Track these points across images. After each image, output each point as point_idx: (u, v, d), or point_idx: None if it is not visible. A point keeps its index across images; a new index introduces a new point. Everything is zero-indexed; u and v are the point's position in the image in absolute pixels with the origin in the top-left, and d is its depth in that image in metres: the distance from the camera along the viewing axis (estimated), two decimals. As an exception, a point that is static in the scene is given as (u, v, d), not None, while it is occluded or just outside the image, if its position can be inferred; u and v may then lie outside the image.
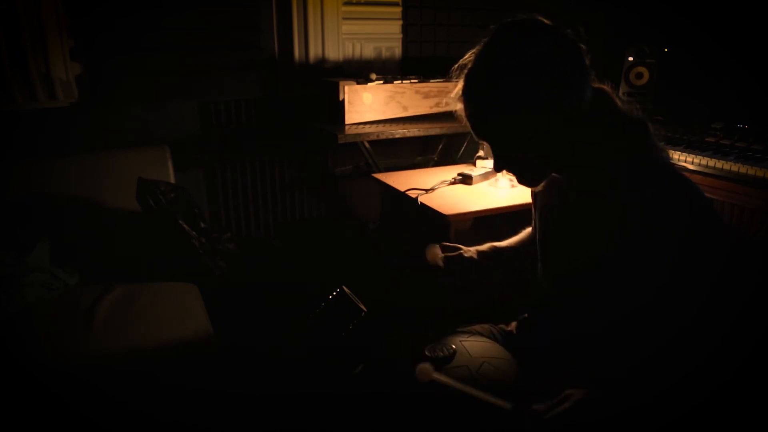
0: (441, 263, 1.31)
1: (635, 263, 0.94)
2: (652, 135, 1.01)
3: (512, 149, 1.02)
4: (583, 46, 0.97)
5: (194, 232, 2.08)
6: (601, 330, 1.02)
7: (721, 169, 2.04)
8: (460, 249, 1.34)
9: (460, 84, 1.02)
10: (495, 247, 1.38)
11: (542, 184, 1.12)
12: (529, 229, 1.41)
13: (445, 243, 1.35)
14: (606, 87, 1.04)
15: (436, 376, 0.99)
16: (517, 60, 0.93)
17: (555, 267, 1.17)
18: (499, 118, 0.98)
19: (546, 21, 0.97)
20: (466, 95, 1.01)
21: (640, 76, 2.75)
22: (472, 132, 1.04)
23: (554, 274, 1.17)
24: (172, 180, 2.30)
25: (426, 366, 0.99)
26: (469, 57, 1.01)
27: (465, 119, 1.04)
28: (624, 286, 0.97)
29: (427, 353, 1.07)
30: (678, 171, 0.99)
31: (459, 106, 1.04)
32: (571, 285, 1.10)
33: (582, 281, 1.06)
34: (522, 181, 1.09)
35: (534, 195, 1.29)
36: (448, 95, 1.05)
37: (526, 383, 1.06)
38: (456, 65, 1.03)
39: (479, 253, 1.35)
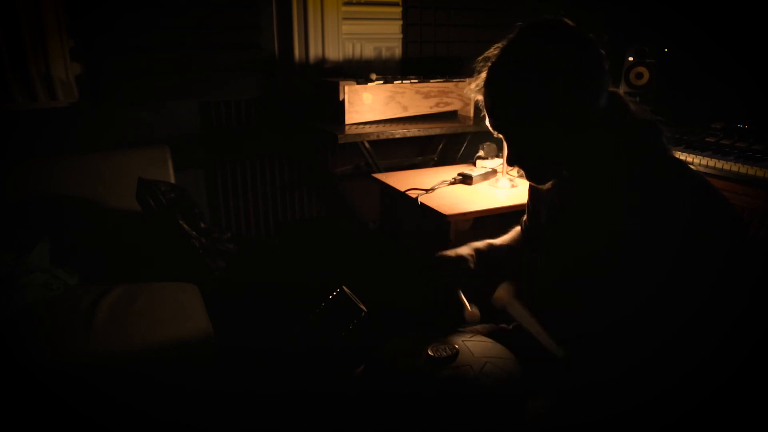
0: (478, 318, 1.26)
1: (638, 262, 0.94)
2: (664, 137, 1.03)
3: (527, 145, 1.04)
4: (603, 52, 0.98)
5: (194, 232, 2.08)
6: (602, 329, 1.02)
7: (721, 169, 2.04)
8: (460, 255, 1.32)
9: (483, 75, 1.03)
10: (491, 245, 1.37)
11: (549, 183, 1.12)
12: (518, 228, 1.41)
13: (444, 253, 1.32)
14: (619, 91, 1.05)
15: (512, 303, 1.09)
16: (539, 59, 0.95)
17: (560, 262, 1.17)
18: (516, 113, 0.99)
19: (570, 23, 0.99)
20: (488, 87, 1.02)
21: (640, 76, 2.75)
22: (488, 124, 1.06)
23: (558, 270, 1.17)
24: (172, 180, 2.30)
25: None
26: (493, 51, 1.02)
27: (483, 110, 1.05)
28: (625, 284, 0.97)
29: (430, 353, 1.07)
30: (690, 170, 1.00)
31: (479, 98, 1.05)
32: (574, 282, 1.10)
33: (584, 279, 1.06)
34: (531, 177, 1.11)
35: (533, 192, 1.29)
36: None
37: (527, 383, 1.06)
38: (480, 57, 1.04)
39: (477, 251, 1.33)
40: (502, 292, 1.18)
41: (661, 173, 0.97)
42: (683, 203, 0.95)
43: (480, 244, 1.36)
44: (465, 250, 1.32)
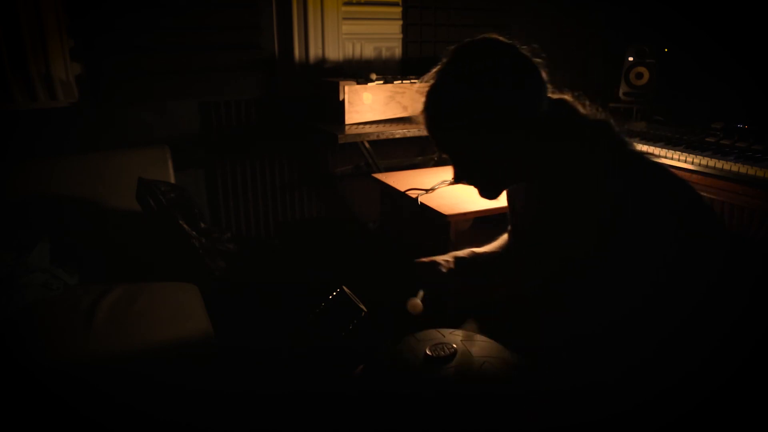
0: (421, 311, 1.26)
1: (619, 263, 0.94)
2: (617, 133, 1.04)
3: (469, 161, 1.08)
4: (538, 60, 1.03)
5: (194, 232, 2.08)
6: (600, 328, 1.02)
7: (721, 169, 2.04)
8: (436, 262, 1.32)
9: (422, 99, 1.08)
10: (474, 253, 1.37)
11: (502, 193, 1.16)
12: (506, 235, 1.41)
13: (421, 259, 1.33)
14: (567, 96, 1.09)
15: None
16: (470, 78, 1.00)
17: (540, 271, 1.16)
18: (454, 131, 1.04)
19: (502, 39, 1.03)
20: (426, 110, 1.07)
21: (640, 76, 2.75)
22: (435, 146, 1.11)
23: (539, 273, 1.17)
24: (172, 180, 2.30)
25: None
26: (430, 74, 1.08)
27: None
28: (615, 287, 0.97)
29: (428, 353, 1.07)
30: (651, 162, 1.01)
31: (421, 119, 1.09)
32: (559, 284, 1.09)
33: (569, 284, 1.05)
34: (482, 193, 1.14)
35: (511, 201, 1.29)
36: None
37: (526, 382, 1.06)
38: (418, 85, 1.11)
39: (457, 260, 1.33)
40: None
41: (625, 168, 0.98)
42: (661, 196, 0.95)
43: (462, 252, 1.36)
44: (442, 257, 1.32)
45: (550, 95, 1.04)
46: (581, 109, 1.07)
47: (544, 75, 1.02)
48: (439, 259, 1.32)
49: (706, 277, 0.95)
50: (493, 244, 1.42)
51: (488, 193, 1.14)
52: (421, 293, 1.23)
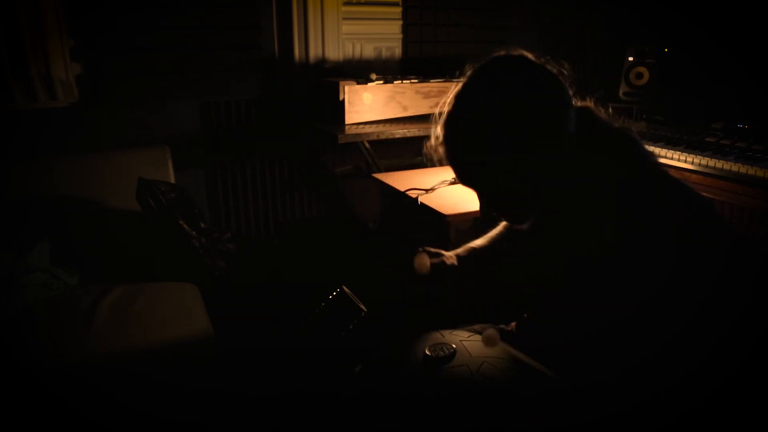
0: (428, 271, 1.25)
1: (631, 266, 0.94)
2: (639, 144, 1.00)
3: (497, 192, 1.01)
4: (562, 79, 0.96)
5: (194, 232, 2.08)
6: (598, 330, 1.02)
7: (721, 169, 2.04)
8: (442, 255, 1.30)
9: (440, 129, 1.00)
10: (473, 249, 1.36)
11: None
12: (502, 224, 1.40)
13: (427, 248, 1.29)
14: (589, 104, 1.03)
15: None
16: (495, 103, 0.91)
17: (546, 269, 1.16)
18: (480, 161, 0.96)
19: (527, 55, 0.95)
20: (447, 142, 0.99)
21: (640, 76, 2.75)
22: (456, 178, 1.03)
23: (548, 276, 1.16)
24: (172, 180, 2.30)
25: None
26: (448, 99, 0.99)
27: (448, 164, 1.03)
28: (621, 287, 0.97)
29: (427, 353, 1.07)
30: (669, 174, 0.99)
31: (441, 151, 1.02)
32: (561, 289, 1.08)
33: (570, 285, 1.04)
34: (511, 221, 1.09)
35: None
36: (429, 142, 1.03)
37: (525, 383, 1.06)
38: (437, 108, 1.01)
39: (459, 258, 1.32)
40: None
41: (647, 180, 0.96)
42: (676, 206, 0.95)
43: (460, 250, 1.33)
44: (447, 254, 1.29)
45: (574, 110, 0.97)
46: (603, 117, 1.02)
47: (570, 91, 0.96)
48: (444, 253, 1.28)
49: (708, 279, 0.94)
50: (490, 235, 1.40)
51: (516, 221, 1.07)
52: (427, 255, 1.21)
